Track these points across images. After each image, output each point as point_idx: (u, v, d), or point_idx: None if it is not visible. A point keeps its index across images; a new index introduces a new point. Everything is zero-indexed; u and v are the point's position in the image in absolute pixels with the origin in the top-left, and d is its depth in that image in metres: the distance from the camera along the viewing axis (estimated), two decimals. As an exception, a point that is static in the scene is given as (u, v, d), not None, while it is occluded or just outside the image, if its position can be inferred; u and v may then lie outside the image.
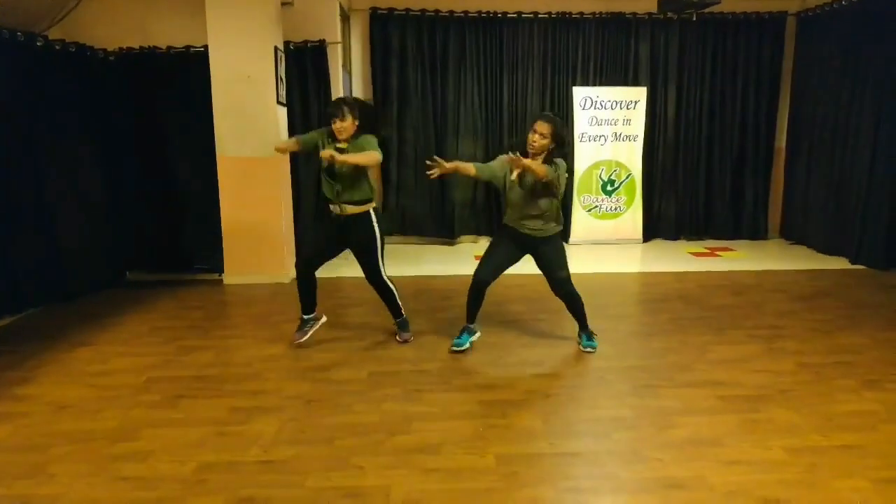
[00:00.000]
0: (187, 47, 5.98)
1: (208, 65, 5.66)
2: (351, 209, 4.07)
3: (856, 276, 6.20)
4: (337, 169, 3.97)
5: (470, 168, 3.96)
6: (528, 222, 3.97)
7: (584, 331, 4.22)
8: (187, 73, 5.95)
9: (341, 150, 3.94)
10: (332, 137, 4.05)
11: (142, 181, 6.12)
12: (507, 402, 3.44)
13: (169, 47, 6.00)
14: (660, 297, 5.47)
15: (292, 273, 5.94)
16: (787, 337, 4.40)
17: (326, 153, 3.83)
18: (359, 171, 4.00)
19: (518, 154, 3.72)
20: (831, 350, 4.15)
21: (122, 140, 6.00)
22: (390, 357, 4.07)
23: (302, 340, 4.26)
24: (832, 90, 6.99)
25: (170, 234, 6.19)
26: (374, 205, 4.16)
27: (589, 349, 4.16)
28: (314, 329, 4.33)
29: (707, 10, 7.16)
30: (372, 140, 4.05)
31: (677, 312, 4.99)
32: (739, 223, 8.01)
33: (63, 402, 3.44)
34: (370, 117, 4.11)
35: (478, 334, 4.27)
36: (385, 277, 4.23)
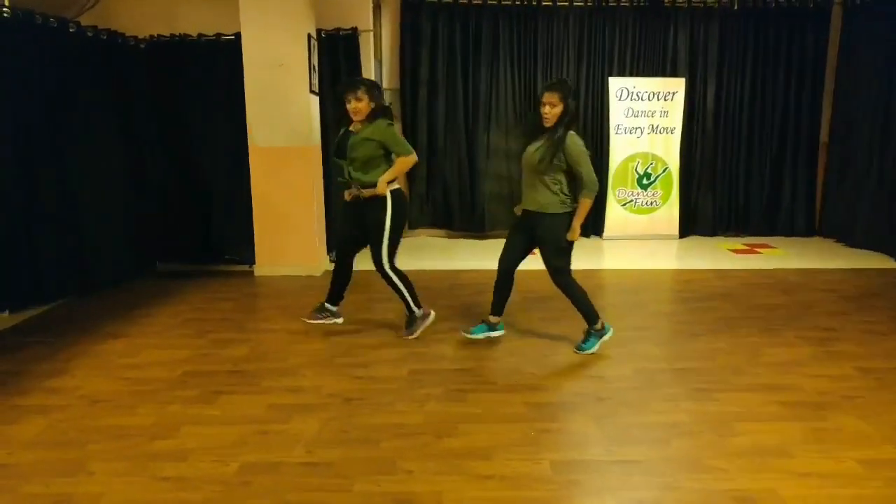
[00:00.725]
0: (218, 35, 5.87)
1: (239, 53, 5.56)
2: (367, 192, 3.91)
3: (904, 276, 5.97)
4: (349, 148, 3.86)
5: None
6: (528, 195, 3.81)
7: (588, 328, 3.93)
8: (218, 60, 5.84)
9: (355, 134, 3.86)
10: (346, 124, 3.91)
11: (171, 170, 6.03)
12: (556, 404, 3.30)
13: (200, 35, 5.90)
14: (702, 295, 5.28)
15: (324, 265, 5.85)
16: (840, 339, 4.21)
17: (383, 187, 3.86)
18: (374, 154, 3.88)
19: (531, 128, 3.82)
20: (889, 354, 3.95)
21: (152, 128, 5.91)
22: (429, 354, 3.94)
23: (310, 322, 4.20)
24: (879, 82, 6.72)
25: (200, 225, 6.10)
26: (395, 186, 4.00)
27: (578, 350, 3.90)
28: (328, 321, 4.24)
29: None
30: (389, 132, 3.89)
31: (723, 311, 4.80)
32: (779, 220, 7.76)
33: (97, 395, 3.35)
34: (380, 96, 3.98)
35: (498, 333, 4.12)
36: (387, 267, 4.00)
